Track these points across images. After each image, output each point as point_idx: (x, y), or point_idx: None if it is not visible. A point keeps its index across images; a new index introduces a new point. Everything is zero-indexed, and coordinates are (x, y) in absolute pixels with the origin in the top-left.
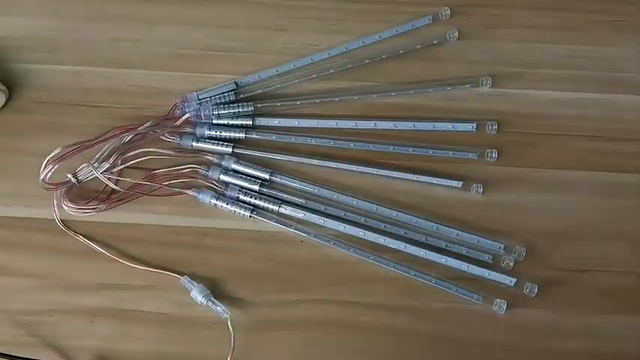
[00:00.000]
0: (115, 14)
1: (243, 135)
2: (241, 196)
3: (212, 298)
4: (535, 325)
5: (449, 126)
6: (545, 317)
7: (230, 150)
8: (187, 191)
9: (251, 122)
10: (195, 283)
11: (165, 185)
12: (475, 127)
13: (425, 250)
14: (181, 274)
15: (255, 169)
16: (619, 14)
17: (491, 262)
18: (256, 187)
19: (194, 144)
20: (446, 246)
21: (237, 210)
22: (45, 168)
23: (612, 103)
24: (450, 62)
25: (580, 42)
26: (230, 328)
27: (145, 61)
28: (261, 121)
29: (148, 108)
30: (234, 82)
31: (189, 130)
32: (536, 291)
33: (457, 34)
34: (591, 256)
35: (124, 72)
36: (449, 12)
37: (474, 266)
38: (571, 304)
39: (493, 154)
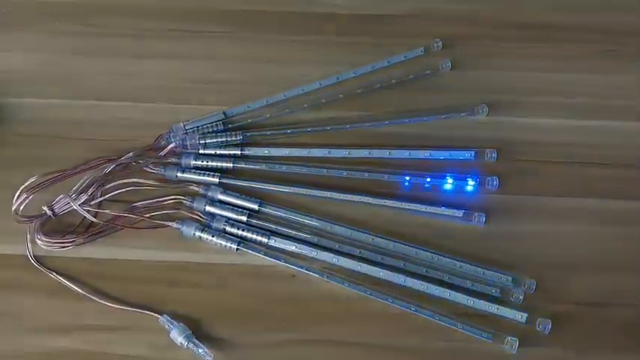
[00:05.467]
0: (102, 48)
1: (231, 165)
2: (228, 228)
3: (193, 339)
4: None
5: (446, 154)
6: (561, 357)
7: (217, 180)
8: (170, 223)
9: (239, 152)
10: (176, 323)
11: (147, 218)
12: (474, 155)
13: (426, 284)
14: (161, 313)
15: (243, 199)
16: (615, 43)
17: (499, 295)
18: (244, 218)
19: (179, 174)
20: (448, 279)
21: (224, 243)
22: (18, 198)
23: (613, 130)
24: (444, 92)
25: (577, 70)
26: None
27: (132, 94)
28: (250, 151)
29: (134, 140)
30: (223, 112)
31: (174, 160)
32: (549, 327)
33: (450, 64)
34: (606, 289)
35: (111, 105)
36: (440, 43)
37: (481, 301)
38: (589, 341)
39: (494, 182)
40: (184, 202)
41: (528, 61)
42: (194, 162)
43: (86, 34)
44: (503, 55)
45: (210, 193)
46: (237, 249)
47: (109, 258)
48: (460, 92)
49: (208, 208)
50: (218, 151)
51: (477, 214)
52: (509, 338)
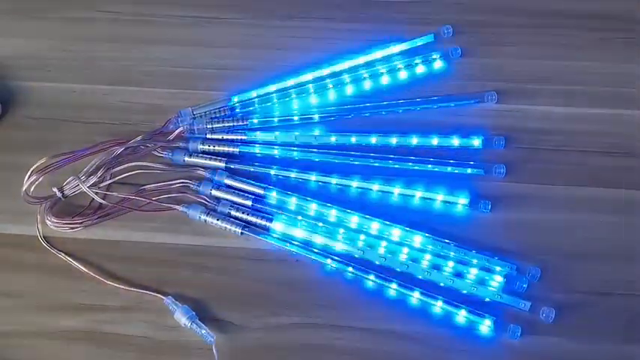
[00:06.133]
0: (111, 34)
1: (238, 150)
2: (233, 212)
3: (197, 321)
4: (553, 355)
5: (453, 141)
6: (564, 346)
7: (223, 164)
8: (177, 207)
9: (246, 136)
10: (180, 305)
11: (155, 200)
12: (481, 142)
13: (430, 270)
14: (165, 294)
15: (248, 184)
16: (627, 31)
17: (502, 284)
18: (249, 203)
19: (186, 159)
20: (452, 266)
21: (228, 226)
22: (28, 179)
23: (624, 119)
24: (454, 80)
25: (589, 58)
26: (215, 353)
27: (140, 79)
28: (258, 135)
29: (142, 124)
30: (230, 97)
31: (181, 145)
32: (553, 316)
33: (460, 51)
34: (613, 278)
35: (119, 89)
36: (451, 30)
37: (484, 288)
38: (593, 331)
39: (501, 170)
40: (191, 186)
41: (538, 48)
42: (201, 146)
43: (98, 19)
44: (514, 43)
45: (216, 178)
46: (241, 232)
47: (117, 240)
48: (469, 80)
49: (214, 192)
50: (225, 136)
51: (482, 202)
52: (511, 326)
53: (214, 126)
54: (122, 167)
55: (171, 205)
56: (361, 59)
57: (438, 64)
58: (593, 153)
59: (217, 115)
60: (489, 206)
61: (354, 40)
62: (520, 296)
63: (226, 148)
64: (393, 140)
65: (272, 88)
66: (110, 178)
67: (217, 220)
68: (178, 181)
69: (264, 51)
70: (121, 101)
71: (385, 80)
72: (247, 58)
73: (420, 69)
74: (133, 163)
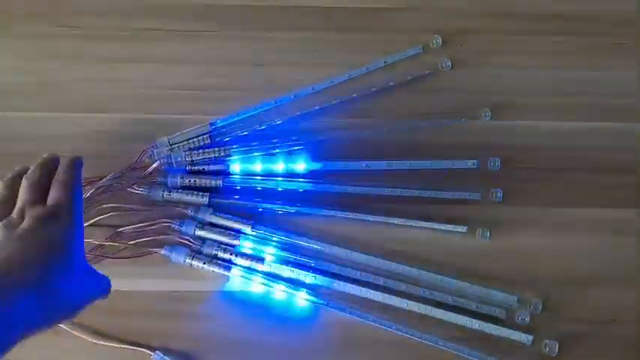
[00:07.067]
0: (76, 53)
1: (221, 182)
2: (220, 254)
3: None
4: None
5: (448, 163)
6: None
7: (206, 200)
8: (158, 250)
9: (229, 168)
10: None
11: (133, 244)
12: (477, 163)
13: (430, 307)
14: (152, 349)
15: (234, 220)
16: (620, 36)
17: (504, 318)
18: (237, 242)
19: (165, 195)
20: (453, 301)
21: (216, 270)
22: None
23: (624, 132)
24: (444, 93)
25: (582, 67)
26: None
27: (109, 105)
28: (241, 166)
29: (113, 155)
30: (209, 123)
31: (159, 180)
32: (557, 350)
33: (450, 63)
34: (617, 304)
35: (88, 117)
36: (440, 40)
37: (486, 323)
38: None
39: (498, 194)
40: (172, 225)
41: (531, 57)
42: (181, 180)
43: (61, 36)
44: (509, 52)
45: (199, 215)
46: (228, 277)
47: None
48: (461, 92)
49: (198, 232)
50: (206, 167)
51: (480, 229)
52: None
53: (194, 158)
54: (95, 210)
55: (152, 249)
56: (347, 77)
57: (428, 78)
58: (592, 171)
59: (196, 145)
60: (488, 233)
61: (341, 52)
62: (522, 330)
63: (208, 181)
64: (385, 164)
65: (253, 109)
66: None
67: (203, 263)
68: (158, 220)
69: (242, 67)
70: (89, 130)
71: (373, 98)
72: (224, 76)
73: (410, 83)
74: (107, 205)
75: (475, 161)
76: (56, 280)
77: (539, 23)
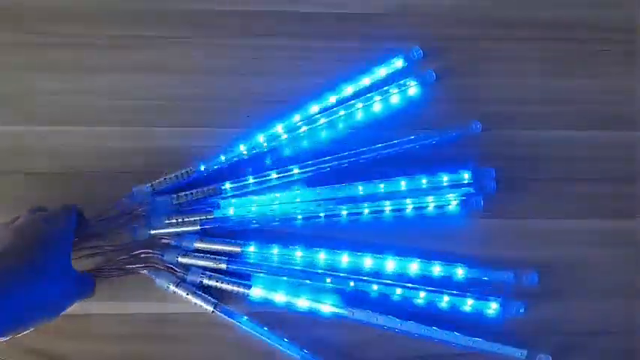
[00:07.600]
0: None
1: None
2: (205, 281)
3: None
4: None
5: (442, 178)
6: None
7: (197, 227)
8: (143, 272)
9: (212, 216)
10: None
11: (116, 275)
12: (470, 176)
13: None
14: None
15: (222, 243)
16: (609, 42)
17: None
18: (224, 266)
19: (152, 232)
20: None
21: (199, 303)
22: None
23: (624, 141)
24: (432, 106)
25: (576, 75)
26: None
27: (84, 117)
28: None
29: (88, 171)
30: (186, 171)
31: (137, 226)
32: None
33: (434, 75)
34: (607, 315)
35: (60, 130)
36: (420, 52)
37: (480, 340)
38: None
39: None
40: (154, 256)
41: (520, 64)
42: (168, 221)
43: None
44: (499, 60)
45: (184, 244)
46: (212, 311)
47: (77, 314)
48: (448, 103)
49: (182, 260)
50: (192, 218)
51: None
52: None
53: (181, 201)
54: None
55: (138, 270)
56: (333, 98)
57: (413, 91)
58: (591, 180)
59: (182, 179)
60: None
61: (319, 60)
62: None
63: (198, 217)
64: (381, 187)
65: (242, 147)
66: None
67: (187, 294)
68: (140, 251)
69: (220, 77)
70: (62, 145)
71: (360, 116)
72: (198, 86)
73: (395, 99)
74: (83, 246)
75: (469, 173)
76: (41, 273)
77: (528, 30)
